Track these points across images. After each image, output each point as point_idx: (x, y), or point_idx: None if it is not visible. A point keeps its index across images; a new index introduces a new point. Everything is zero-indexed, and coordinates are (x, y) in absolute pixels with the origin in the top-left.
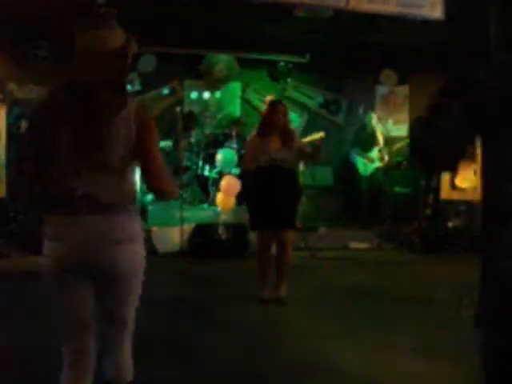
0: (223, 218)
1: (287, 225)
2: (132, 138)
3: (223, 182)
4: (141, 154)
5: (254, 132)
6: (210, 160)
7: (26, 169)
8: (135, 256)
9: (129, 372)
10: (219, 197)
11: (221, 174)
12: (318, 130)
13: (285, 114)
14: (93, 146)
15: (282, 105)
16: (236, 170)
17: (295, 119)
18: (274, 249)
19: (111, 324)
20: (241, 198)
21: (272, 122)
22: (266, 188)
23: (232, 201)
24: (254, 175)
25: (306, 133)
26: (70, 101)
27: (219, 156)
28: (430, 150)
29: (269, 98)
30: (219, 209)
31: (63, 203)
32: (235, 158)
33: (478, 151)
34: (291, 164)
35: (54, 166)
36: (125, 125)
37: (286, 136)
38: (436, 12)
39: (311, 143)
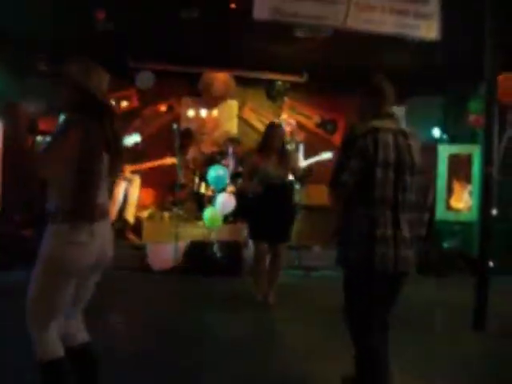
0: (218, 235)
1: (282, 239)
2: None
3: (219, 199)
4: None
5: (252, 150)
6: (206, 177)
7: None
8: None
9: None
10: (207, 214)
11: (214, 192)
12: (314, 149)
13: (282, 136)
14: (121, 157)
15: (280, 127)
16: (231, 188)
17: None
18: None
19: (77, 306)
20: (237, 212)
21: (270, 144)
22: (263, 203)
23: (220, 219)
24: (254, 192)
25: (304, 152)
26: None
27: (211, 173)
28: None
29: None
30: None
31: (94, 212)
32: (226, 175)
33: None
34: (287, 181)
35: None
36: None
37: (283, 156)
38: (432, 32)
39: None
